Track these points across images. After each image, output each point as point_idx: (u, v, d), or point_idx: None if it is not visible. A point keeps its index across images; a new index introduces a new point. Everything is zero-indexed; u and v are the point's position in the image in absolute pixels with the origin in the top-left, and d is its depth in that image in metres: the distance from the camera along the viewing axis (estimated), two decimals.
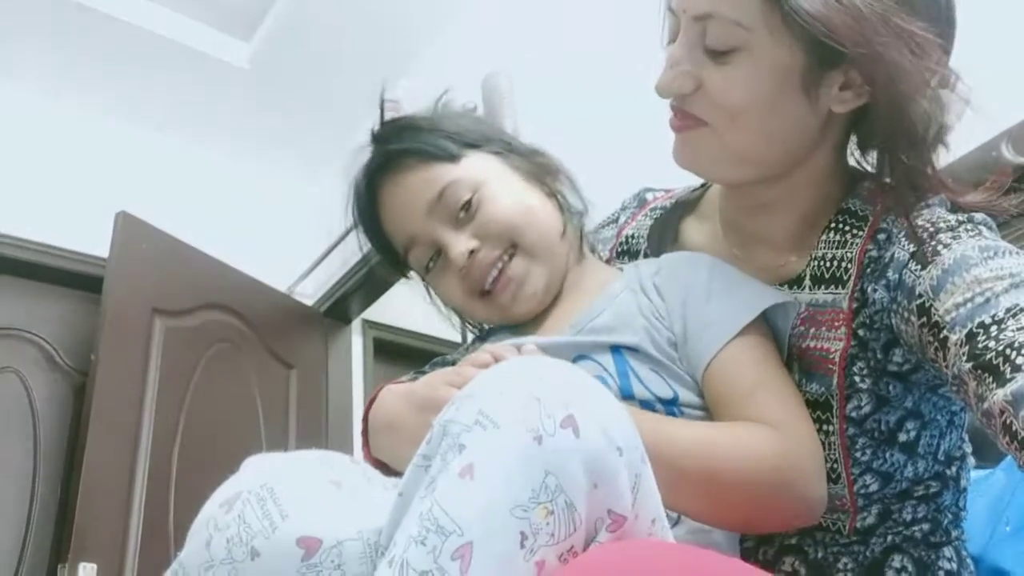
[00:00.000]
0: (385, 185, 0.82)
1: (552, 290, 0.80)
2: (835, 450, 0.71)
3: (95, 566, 1.90)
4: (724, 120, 0.72)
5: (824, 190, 0.78)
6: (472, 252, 0.77)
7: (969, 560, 0.79)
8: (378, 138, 0.85)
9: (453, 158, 0.80)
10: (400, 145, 0.82)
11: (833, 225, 0.75)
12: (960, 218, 0.69)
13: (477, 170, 0.80)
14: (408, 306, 3.24)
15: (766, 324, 0.74)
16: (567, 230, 0.82)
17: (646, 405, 0.69)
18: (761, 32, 0.68)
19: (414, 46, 2.69)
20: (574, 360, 0.73)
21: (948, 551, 0.75)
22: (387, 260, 0.88)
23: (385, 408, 0.78)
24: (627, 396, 0.69)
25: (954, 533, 0.77)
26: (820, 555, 0.75)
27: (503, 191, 0.80)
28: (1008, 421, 0.54)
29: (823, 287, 0.74)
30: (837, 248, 0.74)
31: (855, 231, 0.74)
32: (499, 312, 0.80)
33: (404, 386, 0.78)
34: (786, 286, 0.77)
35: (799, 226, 0.78)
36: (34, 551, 2.24)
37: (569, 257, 0.82)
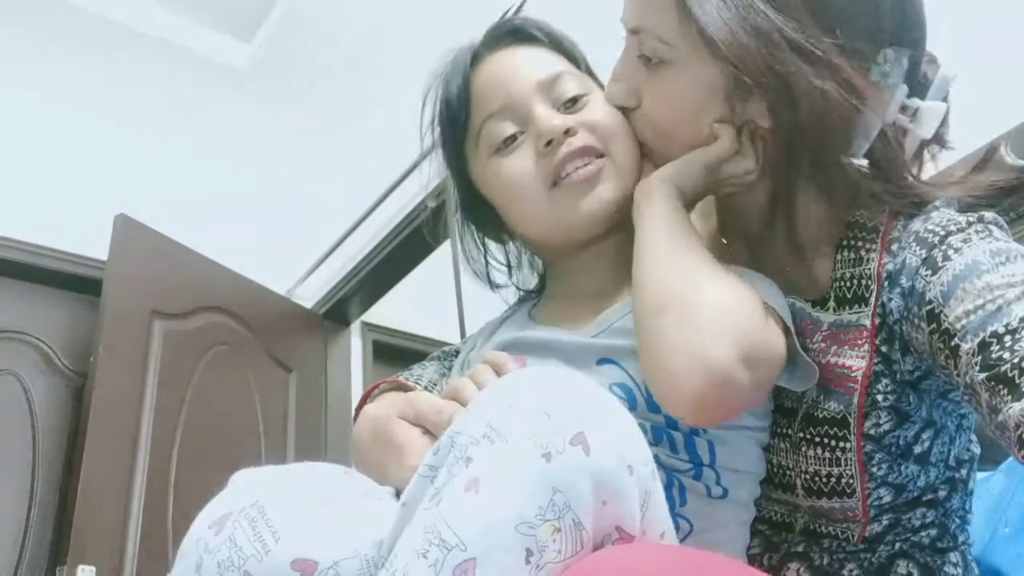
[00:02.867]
0: (503, 48, 0.80)
1: (616, 216, 0.76)
2: (851, 466, 0.70)
3: (94, 568, 1.89)
4: (656, 139, 0.75)
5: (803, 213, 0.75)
6: (567, 131, 0.74)
7: (974, 565, 0.78)
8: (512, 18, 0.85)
9: (577, 62, 0.82)
10: (538, 23, 0.82)
11: (846, 243, 0.74)
12: (970, 218, 0.68)
13: (592, 82, 0.81)
14: (407, 309, 3.24)
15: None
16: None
17: (669, 418, 0.67)
18: (682, 49, 0.69)
19: (414, 49, 2.68)
20: (598, 363, 0.71)
21: (954, 556, 0.75)
22: (446, 131, 0.82)
23: (356, 429, 0.79)
24: (653, 410, 0.66)
25: (961, 538, 0.76)
26: (826, 561, 0.74)
27: (610, 106, 0.78)
28: None
29: (847, 308, 0.72)
30: (854, 266, 0.73)
31: (868, 245, 0.73)
32: (561, 211, 0.75)
33: (374, 409, 0.77)
34: (810, 304, 0.75)
35: (799, 240, 0.76)
36: (33, 553, 2.23)
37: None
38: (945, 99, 0.72)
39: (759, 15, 0.64)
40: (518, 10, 0.87)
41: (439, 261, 2.39)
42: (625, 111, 0.77)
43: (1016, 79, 1.36)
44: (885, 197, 0.71)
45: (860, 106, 0.64)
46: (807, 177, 0.71)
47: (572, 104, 0.77)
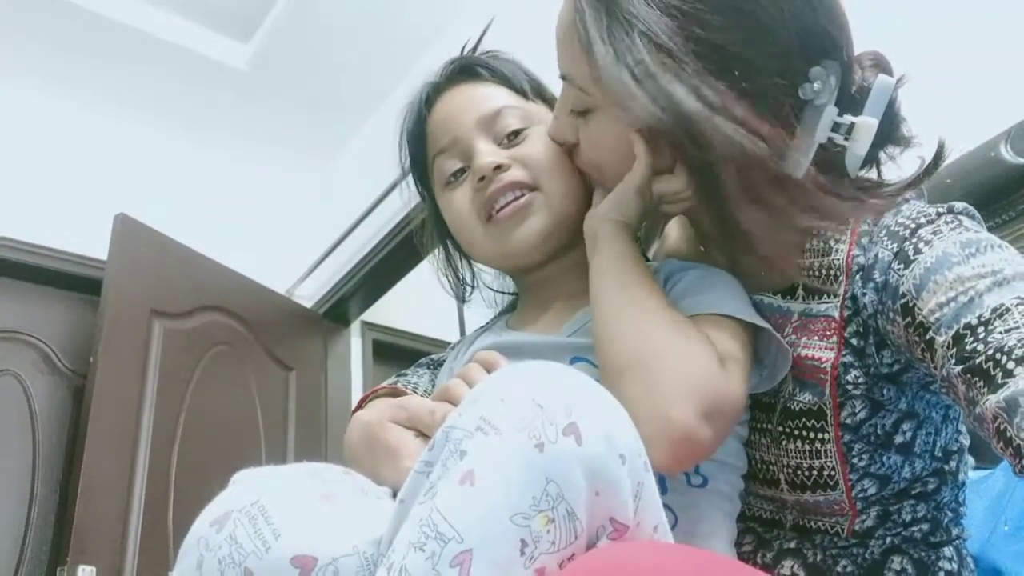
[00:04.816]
0: (451, 87, 0.86)
1: (550, 243, 0.80)
2: (831, 457, 0.71)
3: (94, 568, 1.89)
4: (596, 175, 0.78)
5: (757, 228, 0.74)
6: (498, 167, 0.78)
7: (970, 559, 0.78)
8: (465, 54, 0.90)
9: (523, 93, 0.85)
10: (483, 60, 0.87)
11: (814, 232, 0.73)
12: (940, 209, 0.69)
13: (537, 114, 0.84)
14: (407, 308, 3.24)
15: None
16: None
17: None
18: (599, 96, 0.71)
19: (414, 49, 2.68)
20: (571, 361, 0.73)
21: (948, 551, 0.75)
22: (413, 168, 0.90)
23: (348, 436, 0.79)
24: None
25: (954, 532, 0.77)
26: (819, 558, 0.75)
27: (548, 140, 0.81)
28: (1002, 427, 0.54)
29: (816, 297, 0.73)
30: (822, 256, 0.73)
31: (837, 235, 0.73)
32: (495, 243, 0.80)
33: (366, 414, 0.78)
34: (779, 295, 0.76)
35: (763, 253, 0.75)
36: (33, 553, 2.23)
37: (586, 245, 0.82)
38: (893, 102, 0.70)
39: (649, 67, 0.64)
40: (478, 42, 0.92)
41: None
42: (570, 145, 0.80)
43: (1016, 77, 1.36)
44: (830, 208, 0.69)
45: (759, 145, 0.63)
46: (741, 201, 0.69)
47: (515, 136, 0.81)
